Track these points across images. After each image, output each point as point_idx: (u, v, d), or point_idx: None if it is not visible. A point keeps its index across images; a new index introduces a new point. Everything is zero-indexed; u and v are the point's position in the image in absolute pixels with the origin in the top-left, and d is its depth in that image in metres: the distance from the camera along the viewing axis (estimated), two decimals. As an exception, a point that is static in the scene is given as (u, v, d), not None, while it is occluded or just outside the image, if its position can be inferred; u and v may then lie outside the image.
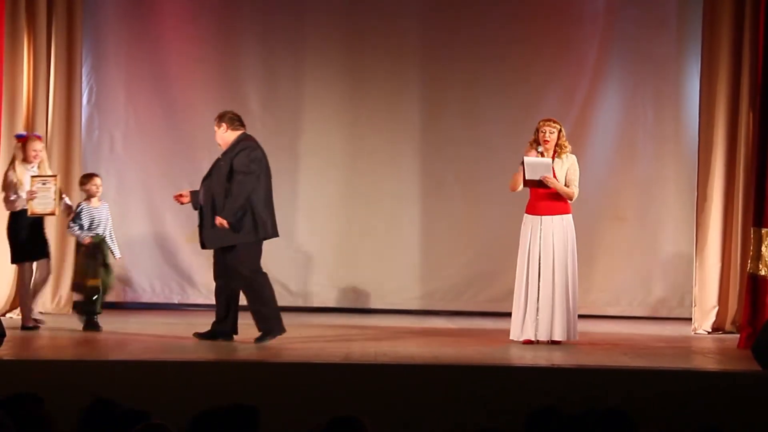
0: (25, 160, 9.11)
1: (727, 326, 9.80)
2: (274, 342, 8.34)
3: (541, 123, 8.70)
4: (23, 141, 9.18)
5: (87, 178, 9.41)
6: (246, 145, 8.52)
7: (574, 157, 8.74)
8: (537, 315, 8.48)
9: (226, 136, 8.60)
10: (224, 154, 8.59)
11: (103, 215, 9.25)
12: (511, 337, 8.60)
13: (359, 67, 11.23)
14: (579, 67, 11.10)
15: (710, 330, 9.81)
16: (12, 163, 9.16)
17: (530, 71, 11.13)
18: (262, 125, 11.25)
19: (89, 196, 9.27)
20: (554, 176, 8.59)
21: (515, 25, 11.16)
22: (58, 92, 10.48)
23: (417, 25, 11.22)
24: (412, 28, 11.21)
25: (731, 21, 9.82)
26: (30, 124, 10.25)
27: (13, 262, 9.23)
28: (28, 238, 9.12)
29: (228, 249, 8.50)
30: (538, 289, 8.49)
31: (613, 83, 11.12)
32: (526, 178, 8.54)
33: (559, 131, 8.67)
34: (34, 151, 9.12)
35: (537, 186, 8.57)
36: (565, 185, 8.61)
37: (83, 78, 10.87)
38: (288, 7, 11.22)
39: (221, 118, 8.67)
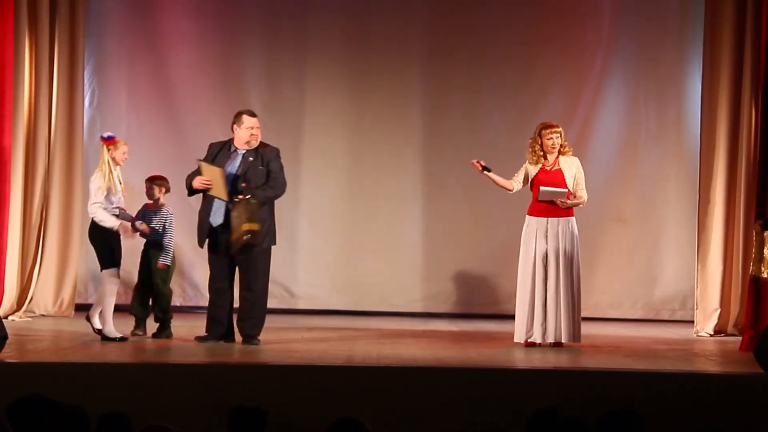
0: (114, 162, 8.66)
1: (729, 329, 9.80)
2: (277, 344, 8.33)
3: (544, 131, 8.66)
4: (112, 143, 8.66)
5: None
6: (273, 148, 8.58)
7: (577, 159, 8.73)
8: (544, 318, 8.47)
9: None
10: (256, 152, 8.50)
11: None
12: (515, 339, 8.59)
13: (362, 69, 11.24)
14: (581, 69, 11.11)
15: (712, 332, 9.81)
16: (108, 166, 8.58)
17: (533, 74, 11.15)
18: (264, 126, 11.23)
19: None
20: (563, 179, 8.58)
21: (518, 28, 11.17)
22: (61, 95, 10.51)
23: (420, 27, 11.23)
24: (415, 31, 11.22)
25: (733, 23, 9.83)
26: (32, 126, 10.27)
27: (103, 268, 8.68)
28: (115, 245, 8.69)
29: (262, 254, 8.40)
30: (545, 292, 8.49)
31: (616, 85, 11.13)
32: (538, 200, 8.55)
33: (561, 133, 8.68)
34: (125, 154, 8.69)
35: (552, 204, 8.57)
36: (574, 189, 8.59)
37: (85, 81, 10.89)
38: (291, 9, 11.24)
39: (254, 114, 8.58)
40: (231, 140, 8.55)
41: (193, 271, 11.26)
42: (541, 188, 8.53)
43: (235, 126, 8.51)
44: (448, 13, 11.23)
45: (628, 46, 11.09)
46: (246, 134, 8.46)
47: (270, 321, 8.57)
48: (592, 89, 11.11)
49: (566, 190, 8.54)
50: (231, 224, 8.23)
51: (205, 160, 8.51)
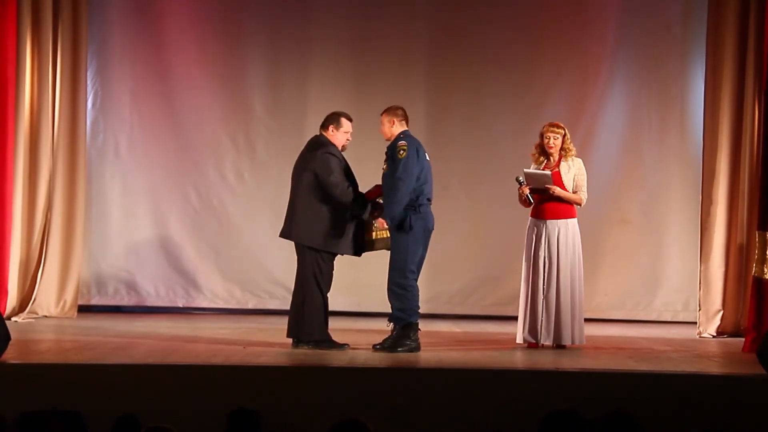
0: None
1: (732, 330, 9.79)
2: (279, 346, 8.34)
3: (545, 128, 8.68)
4: None
5: None
6: None
7: (580, 160, 8.72)
8: (547, 319, 8.46)
9: None
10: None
11: None
12: (518, 341, 8.60)
13: (364, 71, 11.25)
14: (585, 71, 11.11)
15: (715, 334, 9.81)
16: None
17: (536, 75, 11.15)
18: (267, 128, 11.29)
19: None
20: (561, 182, 8.58)
21: (521, 29, 11.17)
22: (64, 96, 10.52)
23: (422, 28, 11.23)
24: (418, 32, 11.22)
25: (735, 25, 9.83)
26: (35, 128, 10.28)
27: None
28: None
29: None
30: (545, 294, 8.49)
31: (619, 87, 11.13)
32: (530, 187, 8.55)
33: (564, 135, 8.66)
34: None
35: (543, 194, 8.56)
36: (573, 191, 8.60)
37: (88, 82, 10.90)
38: (293, 10, 11.24)
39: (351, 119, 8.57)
40: (332, 143, 8.42)
41: (195, 272, 11.26)
42: (525, 170, 8.52)
43: (332, 127, 8.43)
44: (451, 15, 11.23)
45: (632, 48, 11.08)
46: (343, 138, 8.46)
47: (273, 322, 8.58)
48: (596, 91, 11.11)
49: (549, 172, 8.53)
50: (370, 224, 8.38)
51: (340, 165, 8.36)
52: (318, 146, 8.39)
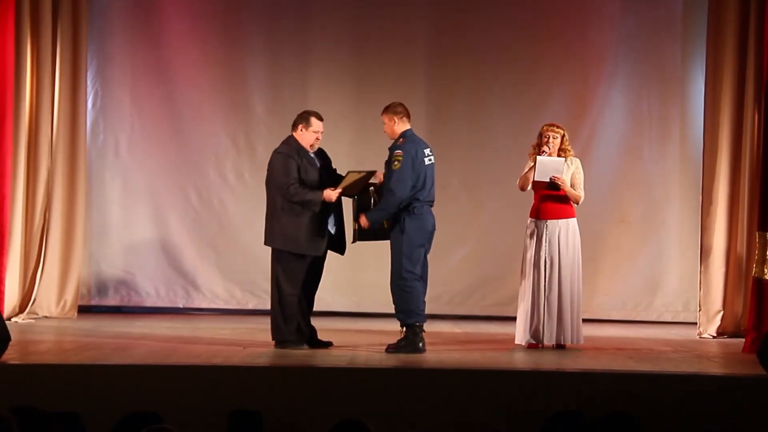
0: None
1: (732, 330, 9.79)
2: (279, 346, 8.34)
3: (545, 128, 8.67)
4: None
5: None
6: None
7: (578, 160, 8.73)
8: (547, 320, 8.46)
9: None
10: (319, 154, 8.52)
11: None
12: (516, 342, 8.60)
13: (364, 71, 11.24)
14: (585, 71, 11.10)
15: (715, 334, 9.81)
16: None
17: (535, 75, 11.14)
18: (267, 128, 11.27)
19: None
20: (558, 179, 8.59)
21: (520, 29, 11.17)
22: (63, 96, 10.51)
23: (423, 29, 11.23)
24: (418, 33, 11.22)
25: (736, 24, 9.83)
26: (34, 128, 10.27)
27: None
28: None
29: None
30: (547, 294, 8.48)
31: (618, 87, 11.13)
32: (535, 179, 8.52)
33: (563, 136, 8.66)
34: None
35: (545, 188, 8.55)
36: (571, 189, 8.61)
37: (88, 82, 10.90)
38: (294, 11, 11.24)
39: (321, 118, 8.51)
40: (298, 143, 8.36)
41: (195, 273, 11.25)
42: (539, 158, 8.48)
43: (301, 126, 8.37)
44: (452, 15, 11.23)
45: (632, 49, 11.08)
46: (312, 138, 8.38)
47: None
48: (596, 91, 11.10)
49: (563, 159, 8.53)
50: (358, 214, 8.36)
51: (294, 166, 8.26)
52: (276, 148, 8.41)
